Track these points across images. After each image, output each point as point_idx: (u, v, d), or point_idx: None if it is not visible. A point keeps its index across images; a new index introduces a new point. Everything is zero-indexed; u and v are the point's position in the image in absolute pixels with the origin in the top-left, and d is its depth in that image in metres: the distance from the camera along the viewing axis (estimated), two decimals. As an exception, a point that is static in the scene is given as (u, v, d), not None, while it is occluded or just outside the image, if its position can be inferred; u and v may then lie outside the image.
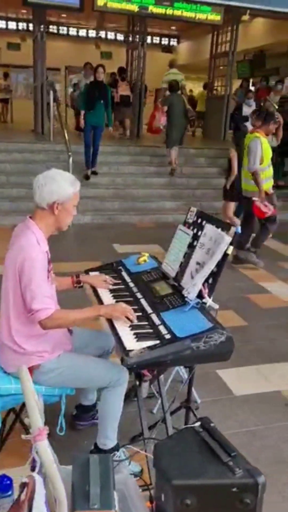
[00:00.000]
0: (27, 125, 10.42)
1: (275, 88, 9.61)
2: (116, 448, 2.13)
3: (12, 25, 15.38)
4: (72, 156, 6.76)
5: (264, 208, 4.97)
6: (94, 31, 15.81)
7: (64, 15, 14.20)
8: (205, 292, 1.97)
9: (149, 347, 1.79)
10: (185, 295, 2.01)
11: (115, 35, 15.75)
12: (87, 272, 2.64)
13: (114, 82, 10.14)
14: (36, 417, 1.29)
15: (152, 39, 15.64)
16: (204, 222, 2.17)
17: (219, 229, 2.01)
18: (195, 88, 14.93)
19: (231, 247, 1.93)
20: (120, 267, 2.64)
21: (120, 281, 2.47)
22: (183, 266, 2.18)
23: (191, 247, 2.18)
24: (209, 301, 1.96)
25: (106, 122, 7.57)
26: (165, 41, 17.02)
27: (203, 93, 11.93)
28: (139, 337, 1.88)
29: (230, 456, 1.38)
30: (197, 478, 1.34)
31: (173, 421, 2.26)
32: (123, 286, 2.42)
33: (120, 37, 15.17)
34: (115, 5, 8.61)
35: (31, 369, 1.93)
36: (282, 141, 7.37)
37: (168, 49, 16.99)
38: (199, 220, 2.22)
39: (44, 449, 1.22)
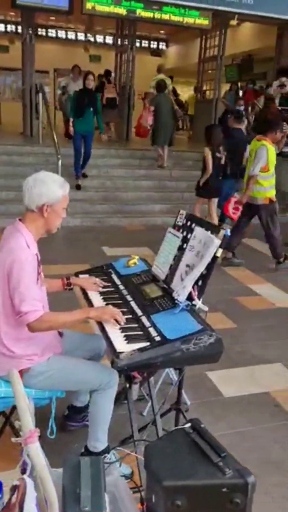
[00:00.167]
0: (15, 127, 10.38)
1: (265, 93, 9.74)
2: (106, 451, 2.13)
3: (0, 27, 15.34)
4: (61, 159, 6.74)
5: (235, 211, 5.08)
6: (83, 34, 15.82)
7: (53, 18, 14.20)
8: (195, 294, 1.98)
9: (139, 349, 1.80)
10: (175, 298, 2.02)
11: (104, 38, 15.80)
12: (77, 274, 2.64)
13: (101, 84, 10.18)
14: (27, 420, 1.28)
15: (141, 43, 15.72)
16: (193, 225, 2.18)
17: (209, 232, 2.03)
18: (184, 92, 15.02)
19: (221, 250, 1.95)
20: (110, 270, 2.65)
21: (110, 284, 2.48)
22: (173, 269, 2.19)
23: (181, 249, 2.19)
24: (198, 303, 1.98)
25: (96, 126, 7.52)
26: (154, 44, 17.11)
27: (194, 96, 12.02)
28: (129, 339, 1.89)
29: (220, 457, 1.39)
30: (187, 479, 1.35)
31: (163, 423, 2.27)
32: (113, 289, 2.43)
33: (109, 40, 15.21)
34: (103, 8, 8.63)
35: (20, 372, 1.92)
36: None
37: (157, 52, 17.08)
38: (189, 223, 2.24)
39: (36, 452, 1.22)
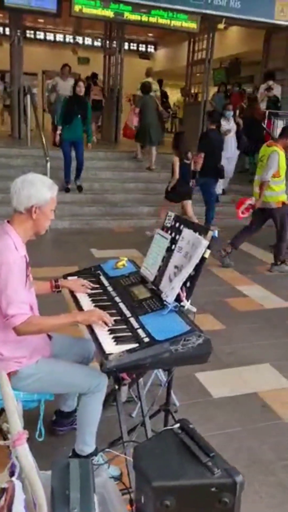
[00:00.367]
0: (3, 129, 10.33)
1: (248, 93, 9.90)
2: (94, 454, 2.13)
3: (-12, 29, 15.24)
4: (50, 161, 6.72)
5: (246, 212, 5.14)
6: (72, 37, 15.80)
7: (41, 20, 14.15)
8: (183, 295, 1.99)
9: (128, 351, 1.80)
10: (164, 299, 2.03)
11: (93, 40, 15.78)
12: (65, 276, 2.64)
13: (88, 87, 10.20)
14: (15, 422, 1.28)
15: (129, 46, 15.72)
16: (182, 226, 2.20)
17: (197, 233, 2.04)
18: (173, 94, 15.08)
19: (209, 251, 1.96)
20: (99, 272, 2.65)
21: (98, 286, 2.47)
22: (162, 270, 2.20)
23: (169, 251, 2.20)
24: (187, 304, 1.99)
25: (85, 135, 7.39)
26: (142, 47, 17.13)
27: (182, 99, 12.11)
28: (118, 340, 1.89)
29: (209, 457, 1.40)
30: (176, 479, 1.36)
31: (152, 425, 2.27)
32: (101, 291, 2.43)
33: (98, 42, 15.21)
34: (90, 11, 8.61)
35: (8, 375, 1.92)
36: (253, 139, 7.63)
37: (145, 55, 17.11)
38: (177, 225, 2.25)
39: (24, 453, 1.21)
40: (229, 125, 7.88)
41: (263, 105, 9.41)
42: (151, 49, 17.36)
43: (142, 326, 1.95)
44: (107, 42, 10.43)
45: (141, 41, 16.82)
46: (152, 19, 8.99)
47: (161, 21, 9.06)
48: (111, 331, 1.97)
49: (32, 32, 15.17)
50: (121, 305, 2.21)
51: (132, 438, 2.13)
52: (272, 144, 5.31)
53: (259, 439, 2.60)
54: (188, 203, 6.39)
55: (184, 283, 2.00)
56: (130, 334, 1.94)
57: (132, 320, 2.04)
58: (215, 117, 7.05)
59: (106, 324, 2.01)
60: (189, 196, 6.38)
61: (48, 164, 6.60)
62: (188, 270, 1.99)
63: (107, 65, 10.44)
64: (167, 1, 7.67)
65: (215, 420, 2.73)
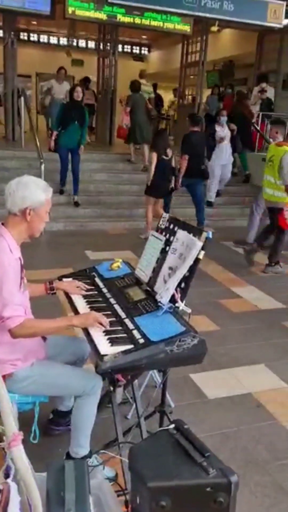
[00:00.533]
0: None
1: (238, 91, 10.01)
2: (88, 456, 2.12)
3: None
4: (44, 163, 6.72)
5: None
6: (65, 39, 15.79)
7: (34, 22, 14.14)
8: (178, 296, 2.00)
9: (123, 352, 1.80)
10: (158, 300, 2.03)
11: (87, 43, 15.78)
12: (60, 278, 2.64)
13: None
14: (10, 423, 1.28)
15: (123, 48, 15.74)
16: (176, 227, 2.20)
17: (191, 235, 2.05)
18: (166, 96, 15.11)
19: (203, 252, 1.97)
20: (94, 273, 2.65)
21: (93, 287, 2.48)
22: (156, 271, 2.21)
23: (164, 252, 2.21)
24: (181, 305, 1.99)
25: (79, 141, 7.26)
26: (136, 49, 17.15)
27: (174, 101, 12.14)
28: (113, 342, 1.89)
29: (204, 457, 1.40)
30: (172, 480, 1.36)
31: (148, 426, 2.27)
32: (96, 292, 2.43)
33: (92, 45, 15.21)
34: (83, 13, 8.65)
35: (3, 377, 1.91)
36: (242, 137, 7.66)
37: (139, 57, 17.13)
38: (171, 226, 2.26)
39: (19, 455, 1.21)
40: (223, 131, 7.81)
41: (256, 108, 9.45)
42: (145, 51, 17.38)
43: (137, 327, 1.96)
44: (101, 44, 10.45)
45: (135, 43, 16.84)
46: (145, 22, 9.05)
47: (154, 23, 9.14)
48: (106, 332, 1.97)
49: (25, 34, 15.15)
50: (116, 307, 2.21)
51: (128, 440, 2.13)
52: (282, 144, 5.31)
53: (254, 439, 2.61)
54: (160, 202, 6.53)
55: (179, 284, 2.01)
56: (125, 335, 1.94)
57: (127, 321, 2.04)
58: (196, 119, 7.15)
59: (103, 326, 2.01)
60: (165, 194, 6.50)
61: (43, 166, 6.59)
62: (183, 271, 1.99)
63: (101, 67, 10.46)
64: (161, 3, 7.68)
65: (210, 420, 2.74)
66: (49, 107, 9.61)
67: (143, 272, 2.32)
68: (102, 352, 1.82)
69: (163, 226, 2.33)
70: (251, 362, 3.44)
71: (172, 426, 1.55)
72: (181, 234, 2.11)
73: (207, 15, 7.86)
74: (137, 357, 1.79)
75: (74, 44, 15.88)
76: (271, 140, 6.02)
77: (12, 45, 8.98)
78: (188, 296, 2.03)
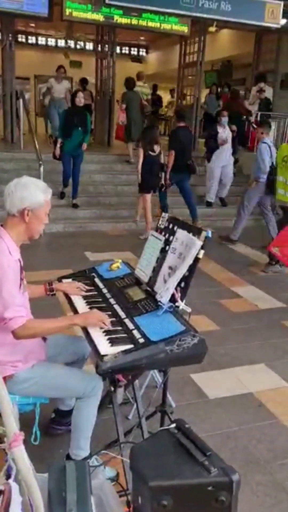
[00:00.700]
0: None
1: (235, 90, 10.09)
2: (89, 458, 2.12)
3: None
4: (43, 165, 6.72)
5: None
6: (64, 41, 15.81)
7: (32, 24, 14.16)
8: (178, 296, 2.00)
9: (124, 351, 1.80)
10: (158, 299, 2.03)
11: (84, 44, 15.79)
12: (60, 279, 2.64)
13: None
14: (11, 424, 1.28)
15: (121, 49, 15.75)
16: (175, 227, 2.20)
17: (191, 234, 2.05)
18: (164, 97, 15.13)
19: (202, 251, 1.97)
20: (93, 274, 2.65)
21: (93, 288, 2.48)
22: (156, 271, 2.21)
23: (163, 252, 2.21)
24: (181, 304, 1.99)
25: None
26: (134, 51, 17.17)
27: (174, 102, 12.16)
28: (113, 342, 1.89)
29: (205, 456, 1.40)
30: (173, 479, 1.36)
31: (149, 426, 2.27)
32: (96, 293, 2.43)
33: (90, 46, 15.22)
34: (80, 14, 8.66)
35: (4, 379, 1.91)
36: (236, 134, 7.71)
37: (137, 59, 17.14)
38: (171, 226, 2.26)
39: (20, 455, 1.21)
40: (225, 132, 7.80)
41: (255, 107, 9.46)
42: (143, 52, 17.40)
43: (137, 327, 1.96)
44: (99, 46, 10.46)
45: (133, 45, 16.85)
46: (143, 23, 9.04)
47: (152, 24, 9.14)
48: (106, 332, 1.97)
49: (23, 36, 15.15)
50: (116, 307, 2.21)
51: (129, 440, 2.13)
52: None
53: (256, 438, 2.60)
54: (147, 196, 6.64)
55: (179, 284, 2.01)
56: (125, 335, 1.94)
57: (127, 321, 2.04)
58: (182, 114, 7.30)
59: (105, 324, 2.01)
60: (154, 189, 6.62)
61: (42, 168, 6.59)
62: (182, 270, 1.99)
63: (99, 69, 10.47)
64: (158, 4, 7.68)
65: (211, 420, 2.73)
66: (48, 107, 9.60)
67: (143, 272, 2.32)
68: (102, 352, 1.82)
69: (162, 226, 2.33)
70: (252, 362, 3.43)
71: (173, 425, 1.55)
72: (181, 234, 2.11)
73: (205, 15, 7.86)
74: (137, 357, 1.79)
75: (72, 46, 15.90)
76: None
77: (10, 47, 8.99)
78: (187, 296, 2.03)
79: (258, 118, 9.17)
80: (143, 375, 2.63)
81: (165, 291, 2.01)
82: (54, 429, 2.49)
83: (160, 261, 2.20)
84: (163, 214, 2.40)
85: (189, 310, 1.99)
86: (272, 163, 6.11)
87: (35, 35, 15.48)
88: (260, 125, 6.58)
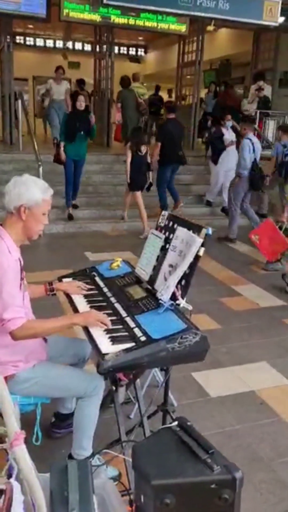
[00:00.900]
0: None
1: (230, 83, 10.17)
2: (91, 457, 2.11)
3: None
4: (42, 165, 6.71)
5: None
6: (62, 42, 15.81)
7: (30, 26, 14.16)
8: (179, 293, 1.99)
9: (125, 350, 1.79)
10: (159, 297, 2.02)
11: (83, 45, 15.78)
12: (60, 279, 2.62)
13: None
14: (12, 423, 1.27)
15: (119, 49, 15.75)
16: (175, 225, 2.19)
17: (191, 232, 2.04)
18: (163, 96, 15.11)
19: (203, 249, 1.96)
20: (94, 273, 2.64)
21: (94, 287, 2.47)
22: (156, 269, 2.20)
23: (164, 250, 2.20)
24: (182, 302, 1.98)
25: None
26: (132, 51, 17.17)
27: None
28: (115, 340, 1.88)
29: (208, 453, 1.39)
30: (176, 477, 1.35)
31: (151, 425, 2.26)
32: (97, 291, 2.42)
33: (88, 47, 15.21)
34: (77, 14, 8.67)
35: (5, 379, 1.90)
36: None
37: (135, 59, 17.13)
38: (171, 224, 2.25)
39: (22, 453, 1.20)
40: (228, 134, 7.78)
41: (254, 106, 9.45)
42: (141, 52, 17.39)
43: (139, 325, 1.95)
44: (97, 46, 10.46)
45: (131, 45, 16.85)
46: (140, 22, 9.05)
47: (149, 24, 9.13)
48: (107, 331, 1.96)
49: (22, 38, 15.15)
50: (117, 305, 2.20)
51: (131, 439, 2.12)
52: None
53: (258, 436, 2.60)
54: (137, 194, 6.83)
55: (179, 282, 2.00)
56: (126, 333, 1.93)
57: (128, 319, 2.03)
58: (171, 107, 7.46)
59: (104, 325, 2.00)
60: (142, 187, 6.86)
61: (41, 169, 6.59)
62: (183, 268, 1.98)
63: (97, 69, 10.46)
64: (156, 3, 7.67)
65: (213, 419, 2.73)
66: (48, 109, 9.60)
67: (143, 270, 2.31)
68: (103, 351, 1.81)
69: (162, 224, 2.32)
70: (253, 360, 3.43)
71: (175, 423, 1.54)
72: (181, 231, 2.10)
73: (203, 14, 7.84)
74: (138, 355, 1.78)
75: (70, 47, 15.90)
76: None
77: (9, 48, 8.99)
78: (188, 295, 2.02)
79: (258, 117, 9.16)
80: (145, 374, 2.61)
81: (165, 289, 2.00)
82: (54, 433, 2.48)
83: (161, 259, 2.19)
84: (163, 212, 2.39)
85: (190, 307, 1.98)
86: (255, 159, 6.17)
87: (33, 36, 15.47)
88: (243, 122, 6.65)
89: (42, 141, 9.91)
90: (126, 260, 2.76)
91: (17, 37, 14.18)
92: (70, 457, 2.13)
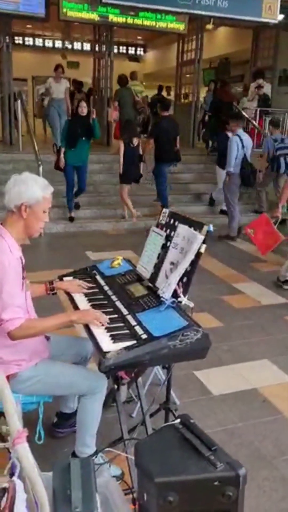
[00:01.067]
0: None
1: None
2: (94, 455, 2.11)
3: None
4: (42, 165, 6.70)
5: None
6: (61, 41, 15.80)
7: (29, 26, 14.15)
8: (180, 291, 1.98)
9: (126, 348, 1.78)
10: (160, 295, 2.02)
11: (82, 44, 15.77)
12: (61, 278, 2.61)
13: (72, 94, 10.28)
14: (14, 422, 1.26)
15: (119, 49, 15.74)
16: (176, 222, 2.19)
17: (192, 229, 2.03)
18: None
19: (204, 246, 1.95)
20: (94, 271, 2.63)
21: (94, 285, 2.46)
22: (158, 267, 2.19)
23: (165, 247, 2.19)
24: (184, 299, 1.97)
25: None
26: (131, 50, 17.16)
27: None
28: (116, 338, 1.87)
29: (211, 450, 1.39)
30: (179, 474, 1.34)
31: (153, 423, 2.25)
32: (97, 290, 2.41)
33: (87, 47, 15.20)
34: (75, 14, 8.66)
35: (8, 378, 1.90)
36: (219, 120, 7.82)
37: (135, 58, 17.12)
38: (172, 221, 2.24)
39: (24, 452, 1.20)
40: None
41: (253, 104, 9.44)
42: (140, 51, 17.39)
43: (140, 323, 1.94)
44: (97, 46, 10.45)
45: (131, 44, 16.85)
46: (138, 21, 9.04)
47: (148, 23, 9.13)
48: (108, 329, 1.95)
49: (20, 38, 15.15)
50: (118, 303, 2.19)
51: (133, 437, 2.11)
52: None
53: (261, 434, 2.59)
54: (126, 187, 7.04)
55: (181, 279, 1.99)
56: (127, 331, 1.92)
57: (129, 317, 2.02)
58: (166, 104, 7.52)
59: (102, 323, 1.99)
60: (135, 180, 7.09)
61: (41, 168, 6.58)
62: (184, 265, 1.98)
63: (97, 69, 10.45)
64: (155, 2, 7.67)
65: (215, 416, 2.72)
66: (48, 109, 9.59)
67: (145, 268, 2.31)
68: (104, 349, 1.80)
69: (163, 222, 2.31)
70: (255, 358, 3.42)
71: (178, 421, 1.54)
72: (182, 229, 2.09)
73: (202, 12, 7.84)
74: (140, 353, 1.77)
75: (69, 46, 15.89)
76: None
77: (8, 49, 8.99)
78: (189, 293, 2.01)
79: (257, 115, 9.16)
80: (146, 372, 2.61)
81: (167, 286, 1.99)
82: (57, 433, 2.47)
83: (162, 257, 2.18)
84: (164, 209, 2.38)
85: (191, 305, 1.97)
86: (245, 155, 6.17)
87: (32, 36, 15.47)
88: (231, 119, 6.66)
89: (41, 141, 9.91)
90: (127, 259, 2.75)
91: (16, 38, 14.17)
92: (74, 454, 2.13)
